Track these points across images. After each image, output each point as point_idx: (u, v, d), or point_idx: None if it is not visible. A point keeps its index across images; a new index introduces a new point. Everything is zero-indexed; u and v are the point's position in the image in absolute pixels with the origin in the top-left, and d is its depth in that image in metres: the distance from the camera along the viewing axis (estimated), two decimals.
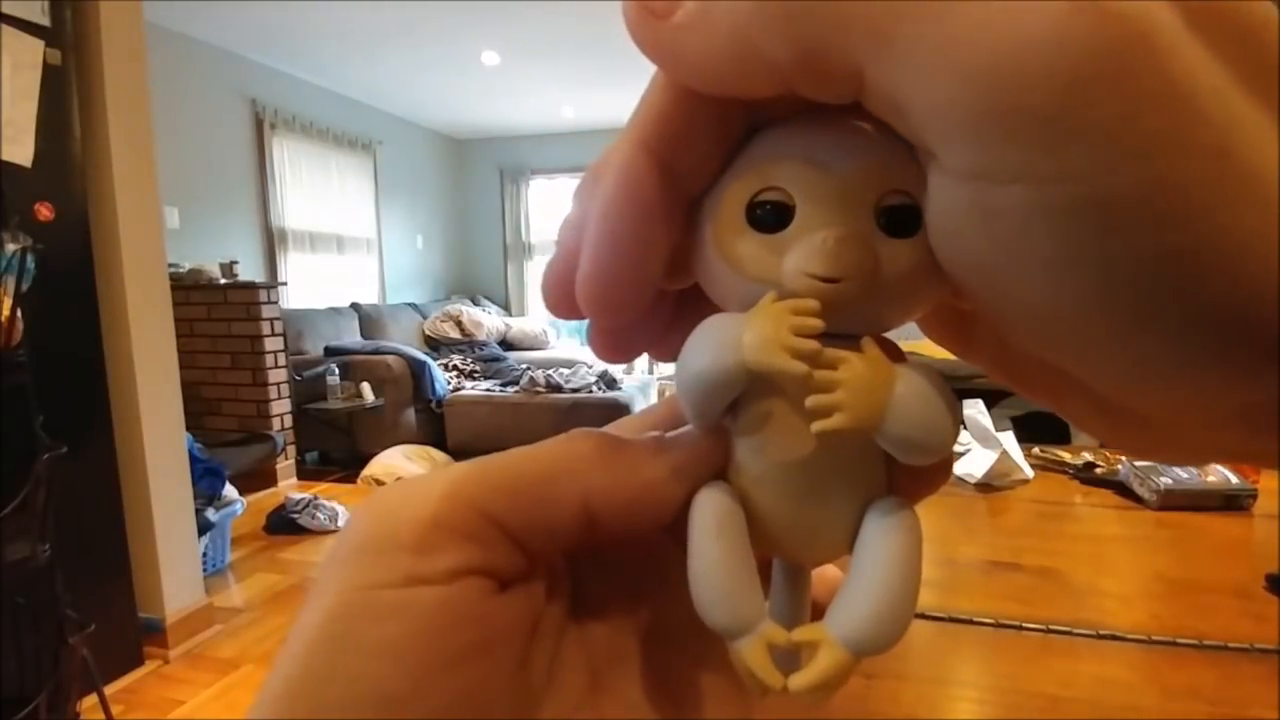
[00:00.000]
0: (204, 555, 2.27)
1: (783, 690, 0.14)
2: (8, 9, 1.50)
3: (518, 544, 0.14)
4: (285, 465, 3.51)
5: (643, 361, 5.90)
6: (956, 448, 1.00)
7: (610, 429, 0.17)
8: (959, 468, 0.90)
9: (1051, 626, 0.51)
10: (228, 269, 3.44)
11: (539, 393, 4.08)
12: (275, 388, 3.45)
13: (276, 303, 3.45)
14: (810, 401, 0.14)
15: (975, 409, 0.91)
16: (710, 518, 0.15)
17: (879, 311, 0.15)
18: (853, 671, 0.14)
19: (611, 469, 0.15)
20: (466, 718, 0.13)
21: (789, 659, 0.15)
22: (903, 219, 0.14)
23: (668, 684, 0.17)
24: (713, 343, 0.15)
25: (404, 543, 0.14)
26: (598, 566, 0.17)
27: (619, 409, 3.99)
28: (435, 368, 4.20)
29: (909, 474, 0.15)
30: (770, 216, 0.14)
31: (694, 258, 0.16)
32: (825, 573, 0.19)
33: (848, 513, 0.15)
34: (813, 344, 0.14)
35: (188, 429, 2.06)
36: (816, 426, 0.14)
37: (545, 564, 0.16)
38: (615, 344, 0.17)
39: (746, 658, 0.15)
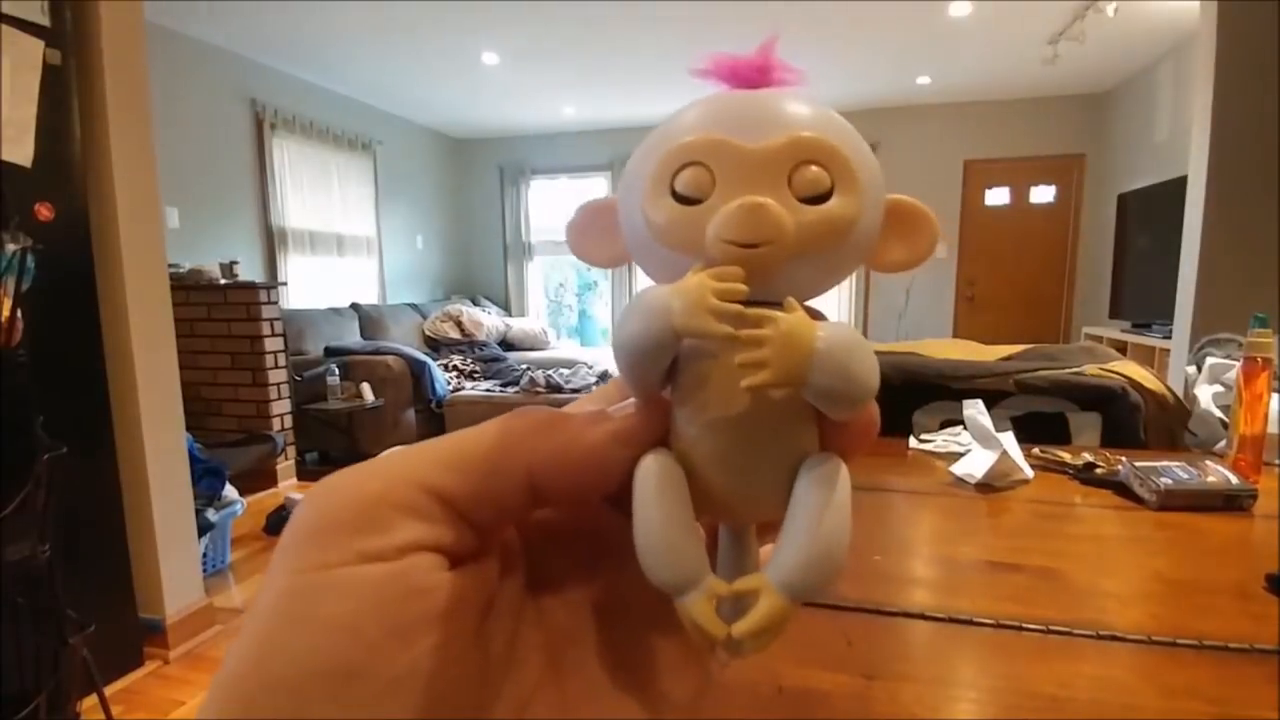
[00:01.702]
0: (204, 555, 2.27)
1: (726, 639, 0.15)
2: (8, 9, 1.49)
3: (466, 519, 0.15)
4: (285, 465, 3.51)
5: None
6: (957, 448, 1.00)
7: (569, 406, 0.18)
8: (959, 468, 0.90)
9: (1051, 626, 0.51)
10: (228, 269, 3.44)
11: (539, 393, 4.08)
12: (275, 388, 3.44)
13: (276, 303, 3.45)
14: (739, 358, 0.15)
15: (975, 409, 0.91)
16: (651, 482, 0.16)
17: (799, 276, 0.15)
18: (791, 617, 0.15)
19: (553, 439, 0.16)
20: (420, 689, 0.13)
21: (736, 614, 0.15)
22: (815, 187, 0.15)
23: (626, 658, 0.17)
24: (643, 311, 0.15)
25: (352, 523, 0.14)
26: (553, 546, 0.17)
27: None
28: (435, 368, 4.20)
29: (838, 431, 0.16)
30: (691, 189, 0.15)
31: (628, 239, 0.17)
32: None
33: (782, 472, 0.16)
34: (735, 307, 0.14)
35: (188, 429, 2.06)
36: (746, 382, 0.14)
37: (497, 542, 0.16)
38: None
39: (692, 611, 0.15)
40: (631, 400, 0.17)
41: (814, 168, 0.15)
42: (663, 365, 0.16)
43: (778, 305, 0.15)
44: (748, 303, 0.15)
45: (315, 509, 0.15)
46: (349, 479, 0.15)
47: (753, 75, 0.17)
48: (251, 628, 0.13)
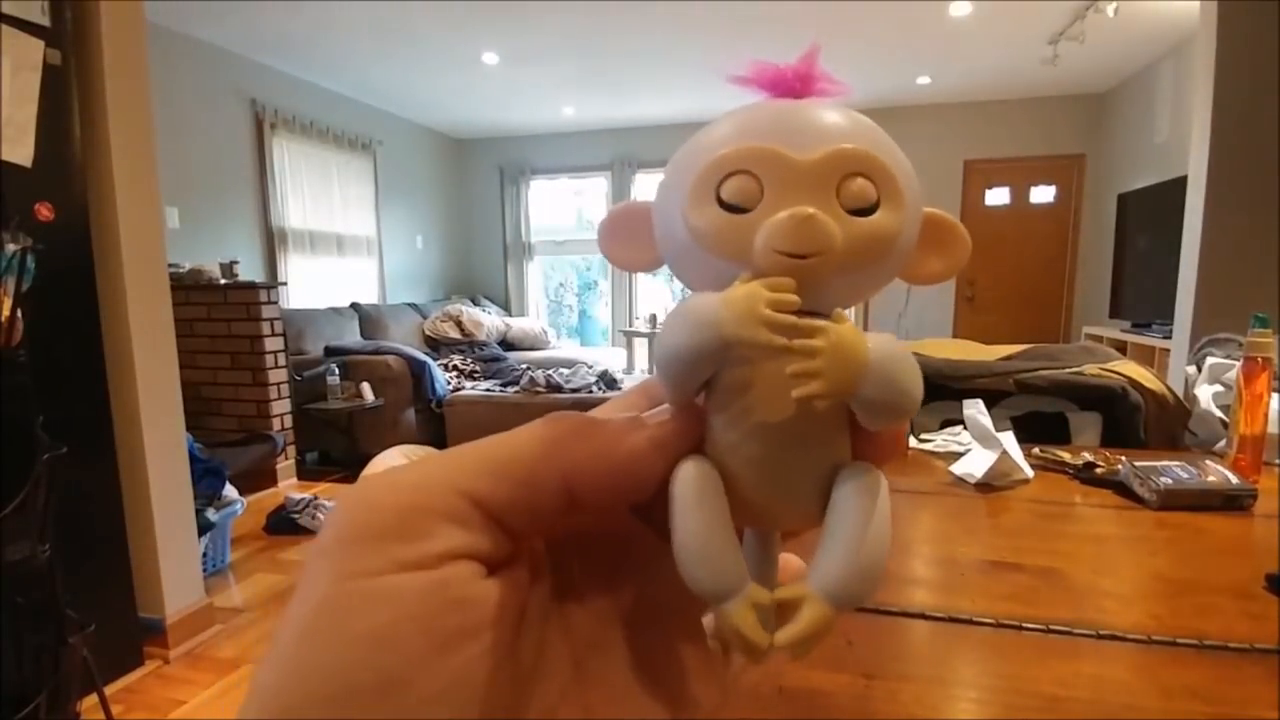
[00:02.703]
0: (204, 555, 2.27)
1: (768, 648, 0.15)
2: (8, 9, 1.49)
3: (501, 526, 0.15)
4: (285, 465, 3.51)
5: (642, 361, 5.90)
6: (957, 448, 1.00)
7: (591, 413, 0.18)
8: (959, 468, 0.90)
9: (1051, 626, 0.51)
10: (228, 269, 3.44)
11: (539, 393, 4.08)
12: (275, 388, 3.44)
13: (276, 303, 3.45)
14: (791, 368, 0.14)
15: (975, 409, 0.91)
16: (691, 488, 0.16)
17: (840, 287, 0.15)
18: (833, 626, 0.15)
19: (590, 445, 0.15)
20: (461, 701, 0.13)
21: (766, 622, 0.16)
22: (861, 199, 0.15)
23: (648, 665, 0.17)
24: (691, 320, 0.15)
25: (389, 530, 0.14)
26: (577, 554, 0.17)
27: None
28: (435, 368, 4.20)
29: (870, 442, 0.16)
30: (738, 198, 0.15)
31: (664, 245, 0.17)
32: (789, 562, 0.20)
33: (819, 480, 0.16)
34: (789, 318, 0.14)
35: (188, 429, 2.06)
36: (798, 392, 0.14)
37: (528, 549, 0.16)
38: None
39: (735, 619, 0.15)
40: (665, 406, 0.17)
41: (861, 180, 0.15)
42: (707, 373, 0.15)
43: (819, 315, 0.15)
44: (793, 312, 0.15)
45: (352, 514, 0.14)
46: (386, 484, 0.15)
47: (795, 85, 0.17)
48: (290, 636, 0.13)
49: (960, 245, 0.17)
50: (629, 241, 0.18)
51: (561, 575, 0.17)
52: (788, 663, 0.48)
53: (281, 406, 3.49)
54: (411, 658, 0.13)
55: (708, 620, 0.19)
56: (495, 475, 0.15)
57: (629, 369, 5.67)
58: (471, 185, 6.65)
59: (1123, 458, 0.87)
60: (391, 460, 3.65)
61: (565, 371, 4.35)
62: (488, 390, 4.26)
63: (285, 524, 2.82)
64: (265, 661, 0.13)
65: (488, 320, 5.41)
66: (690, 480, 0.16)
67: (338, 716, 0.12)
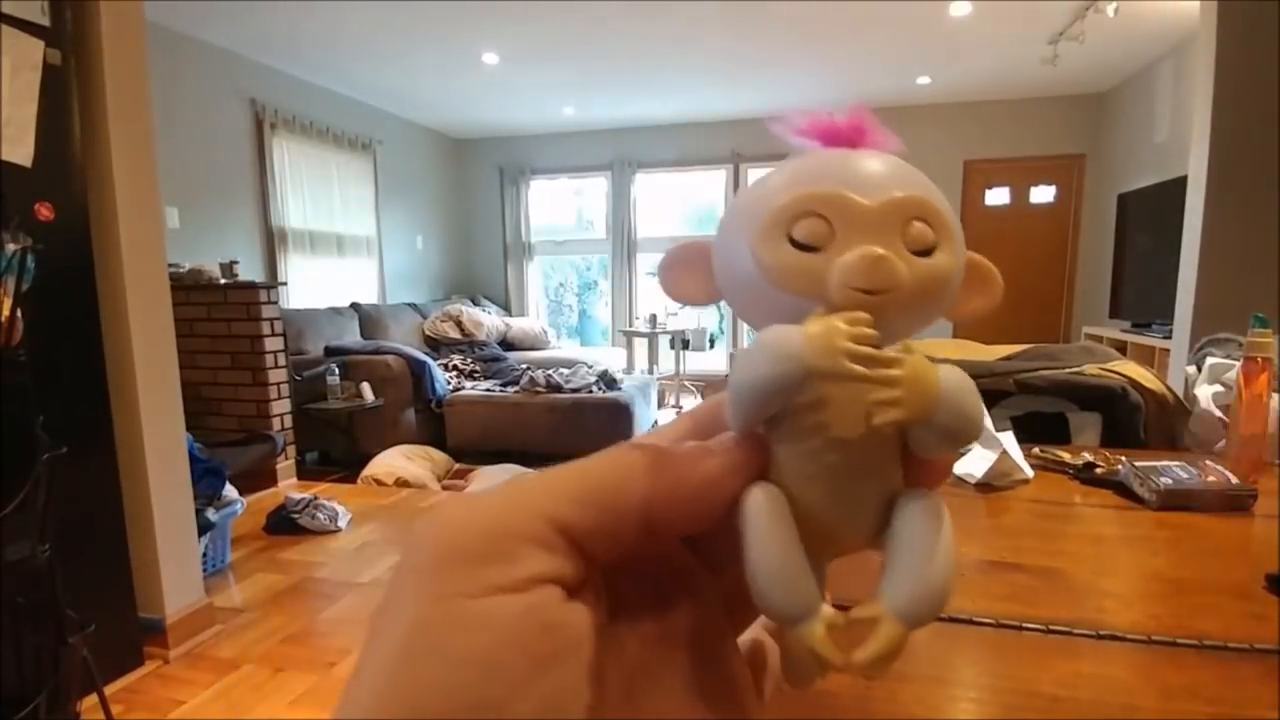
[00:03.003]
0: (204, 555, 2.27)
1: (843, 666, 0.16)
2: (8, 9, 1.49)
3: (581, 551, 0.15)
4: (285, 465, 3.51)
5: (642, 361, 5.90)
6: None
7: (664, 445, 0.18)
8: (959, 468, 0.90)
9: (1051, 626, 0.51)
10: (228, 269, 3.44)
11: (539, 393, 4.08)
12: (275, 388, 3.45)
13: (276, 303, 3.45)
14: (875, 396, 0.16)
15: None
16: (765, 512, 0.16)
17: (904, 321, 0.17)
18: (904, 645, 0.16)
19: (666, 474, 0.16)
20: None
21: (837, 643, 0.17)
22: (925, 239, 0.16)
23: (694, 689, 0.18)
24: (773, 352, 0.16)
25: (479, 553, 0.14)
26: (625, 578, 0.17)
27: (619, 409, 3.99)
28: (435, 368, 4.21)
29: (922, 468, 0.17)
30: (810, 238, 0.16)
31: (725, 281, 0.18)
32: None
33: (878, 505, 0.17)
34: (868, 349, 0.16)
35: (188, 429, 2.06)
36: (878, 419, 0.16)
37: (596, 574, 0.16)
38: None
39: (811, 640, 0.16)
40: (728, 435, 0.17)
41: (920, 224, 0.16)
42: (785, 402, 0.16)
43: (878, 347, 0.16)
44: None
45: (439, 536, 0.15)
46: (474, 508, 0.15)
47: (851, 136, 0.18)
48: (387, 655, 0.13)
49: (996, 285, 0.19)
50: (688, 277, 0.19)
51: (612, 599, 0.17)
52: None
53: (281, 406, 3.49)
54: (511, 681, 0.13)
55: (743, 640, 0.20)
56: (578, 501, 0.15)
57: (629, 369, 5.68)
58: (471, 185, 6.65)
59: (1123, 458, 0.87)
60: (392, 460, 3.65)
61: (565, 371, 4.34)
62: (488, 390, 4.26)
63: (285, 524, 2.82)
64: (357, 680, 0.13)
65: (488, 320, 5.41)
66: (763, 505, 0.17)
67: None
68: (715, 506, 0.16)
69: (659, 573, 0.18)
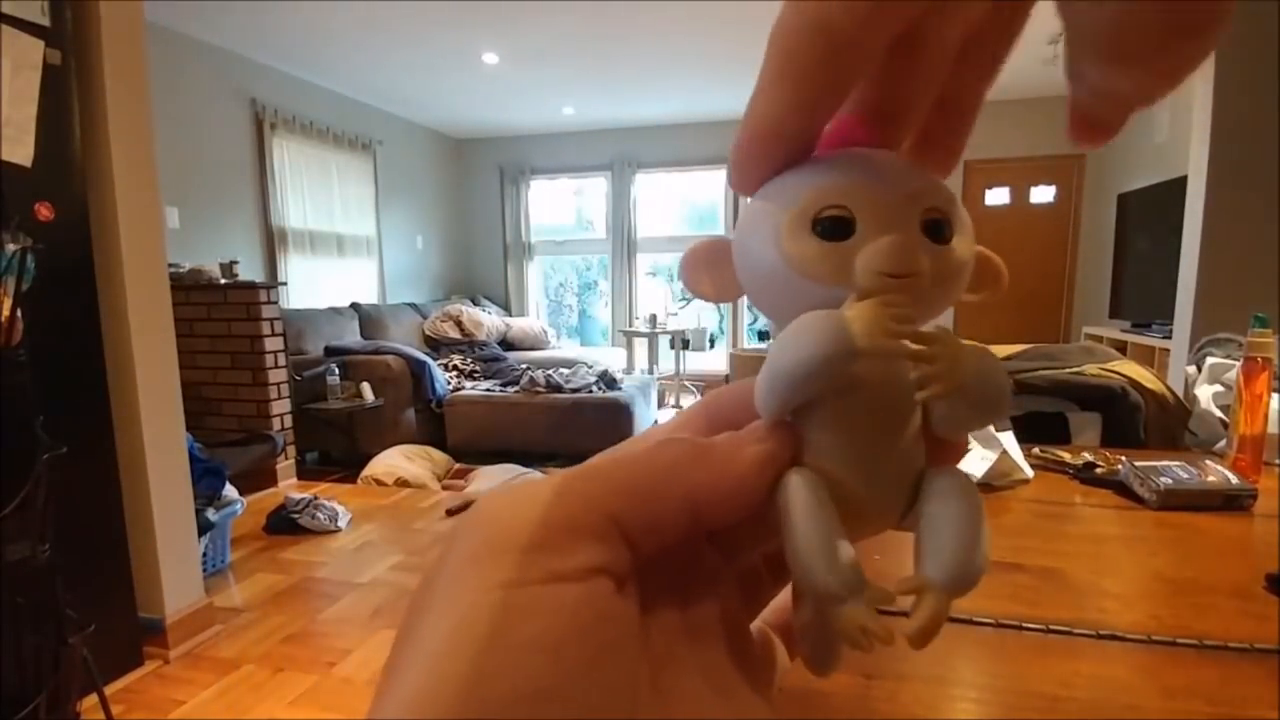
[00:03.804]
0: (204, 555, 2.27)
1: (891, 641, 0.16)
2: (8, 9, 1.50)
3: (631, 544, 0.15)
4: (285, 465, 3.51)
5: (642, 361, 5.90)
6: None
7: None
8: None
9: (1051, 626, 0.51)
10: (228, 269, 3.44)
11: (539, 393, 4.08)
12: (275, 388, 3.45)
13: (276, 303, 3.45)
14: (918, 373, 0.16)
15: None
16: (806, 496, 0.17)
17: (924, 307, 0.17)
18: (948, 614, 0.17)
19: (710, 465, 0.16)
20: (606, 713, 0.13)
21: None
22: (940, 229, 0.17)
23: (715, 678, 0.18)
24: (813, 334, 0.16)
25: (535, 542, 0.14)
26: (650, 569, 0.18)
27: (619, 409, 3.99)
28: (435, 368, 4.21)
29: (941, 449, 0.18)
30: (835, 228, 0.17)
31: (747, 276, 0.19)
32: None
33: (906, 486, 0.18)
34: (912, 329, 0.16)
35: (188, 429, 2.06)
36: (921, 395, 0.16)
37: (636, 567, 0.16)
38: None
39: (861, 618, 0.16)
40: (758, 423, 0.18)
41: (937, 213, 0.17)
42: (825, 385, 0.17)
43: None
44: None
45: (492, 526, 0.14)
46: (518, 499, 0.15)
47: (859, 136, 0.18)
48: (437, 646, 0.13)
49: (1002, 277, 0.20)
50: (710, 273, 0.20)
51: (640, 591, 0.17)
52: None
53: (281, 406, 3.49)
54: (569, 669, 0.13)
55: (755, 627, 0.21)
56: (629, 493, 0.15)
57: (629, 369, 5.68)
58: (471, 185, 6.65)
59: (1123, 458, 0.87)
60: (392, 460, 3.66)
61: (565, 371, 4.35)
62: (488, 390, 4.26)
63: (285, 524, 2.82)
64: (397, 675, 0.13)
65: (488, 320, 5.41)
66: (802, 490, 0.17)
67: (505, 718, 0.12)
68: (756, 495, 0.17)
69: (681, 563, 0.18)
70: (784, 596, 0.21)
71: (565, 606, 0.13)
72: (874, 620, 0.16)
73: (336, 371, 3.79)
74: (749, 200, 0.19)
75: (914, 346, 0.16)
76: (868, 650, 0.17)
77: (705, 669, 0.17)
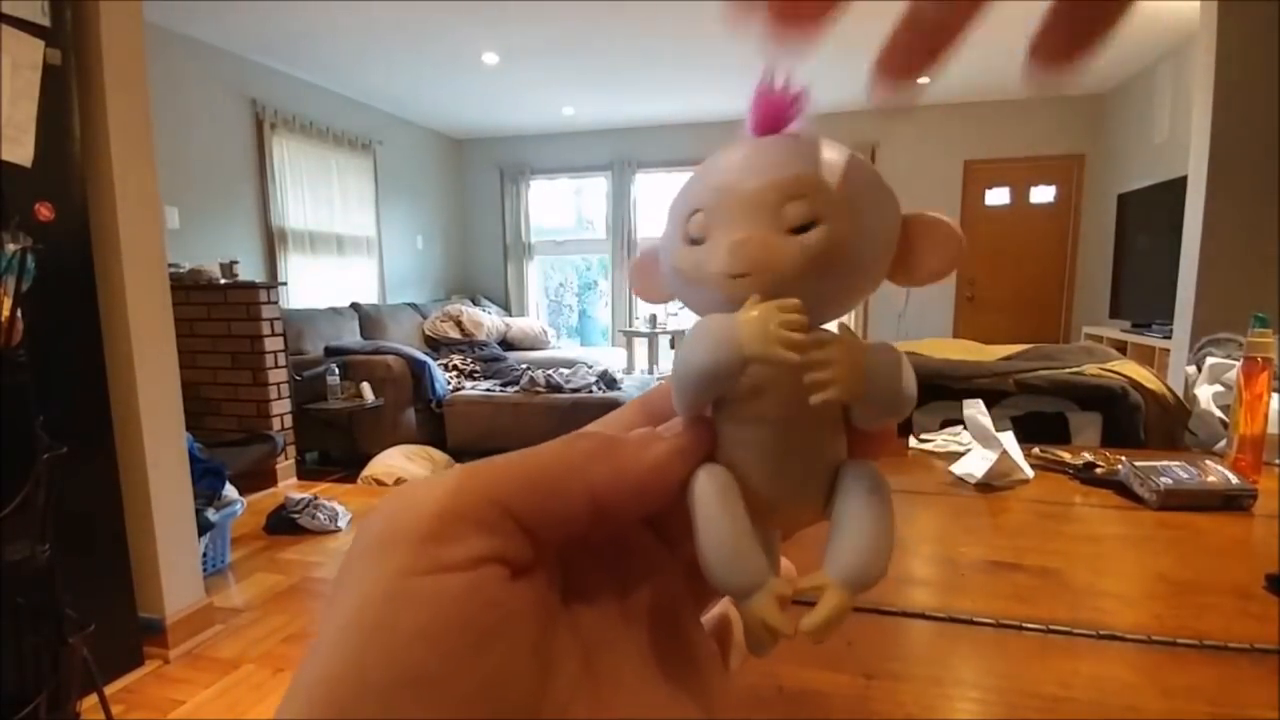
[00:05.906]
0: (204, 555, 2.27)
1: (792, 635, 0.17)
2: (8, 9, 1.50)
3: (528, 534, 0.15)
4: (285, 465, 3.51)
5: (642, 360, 5.90)
6: (957, 448, 1.00)
7: (591, 428, 0.19)
8: (959, 468, 0.90)
9: (1051, 626, 0.51)
10: (228, 269, 3.44)
11: (539, 393, 4.07)
12: (275, 388, 3.45)
13: (276, 303, 3.45)
14: (809, 378, 0.16)
15: (975, 409, 0.91)
16: (710, 493, 0.17)
17: (813, 298, 0.17)
18: (849, 610, 0.17)
19: (612, 461, 0.17)
20: (495, 698, 0.14)
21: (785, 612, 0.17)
22: (799, 219, 0.16)
23: (656, 662, 0.18)
24: (710, 340, 0.17)
25: (427, 533, 0.14)
26: (583, 558, 0.18)
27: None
28: (435, 368, 4.20)
29: (865, 439, 0.18)
30: (698, 232, 0.17)
31: (665, 280, 0.19)
32: (787, 570, 0.22)
33: (822, 478, 0.18)
34: (802, 336, 0.16)
35: (188, 429, 2.06)
36: (816, 398, 0.16)
37: (550, 555, 0.17)
38: None
39: (761, 611, 0.17)
40: (677, 420, 0.18)
41: (797, 201, 0.16)
42: (726, 388, 0.17)
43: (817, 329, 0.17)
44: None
45: (391, 518, 0.15)
46: (418, 492, 0.16)
47: (769, 123, 0.18)
48: (338, 629, 0.14)
49: (952, 242, 0.18)
50: (648, 279, 0.21)
51: (571, 577, 0.18)
52: (787, 662, 0.48)
53: (281, 406, 3.49)
54: (450, 655, 0.13)
55: (706, 618, 0.21)
56: (525, 487, 0.16)
57: (629, 369, 5.68)
58: (471, 185, 6.65)
59: (1123, 458, 0.87)
60: (392, 460, 3.65)
61: (565, 371, 4.34)
62: (488, 390, 4.25)
63: (285, 524, 2.82)
64: (311, 655, 0.14)
65: (488, 320, 5.41)
66: (710, 486, 0.17)
67: (385, 708, 0.13)
68: (664, 490, 0.17)
69: (618, 552, 0.19)
70: None
71: (448, 595, 0.14)
72: (775, 615, 0.16)
73: (336, 371, 3.79)
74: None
75: (800, 355, 0.16)
76: (771, 645, 0.17)
77: (643, 652, 0.18)
